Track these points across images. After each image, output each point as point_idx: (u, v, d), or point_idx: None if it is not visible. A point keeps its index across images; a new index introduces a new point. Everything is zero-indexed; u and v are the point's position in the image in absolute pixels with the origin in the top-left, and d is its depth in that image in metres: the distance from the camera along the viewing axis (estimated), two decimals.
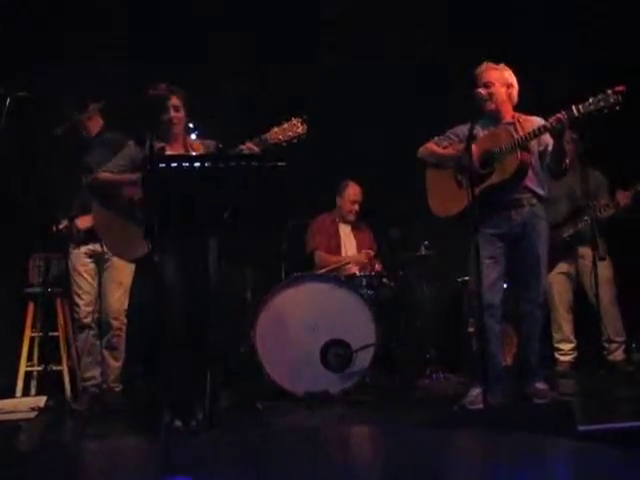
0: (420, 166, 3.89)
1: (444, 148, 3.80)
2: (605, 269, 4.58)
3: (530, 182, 3.62)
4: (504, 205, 3.61)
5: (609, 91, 3.28)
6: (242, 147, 3.40)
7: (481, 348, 3.33)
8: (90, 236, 4.08)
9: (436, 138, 3.87)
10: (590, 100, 3.32)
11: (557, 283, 4.87)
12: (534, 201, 3.65)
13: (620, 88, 3.27)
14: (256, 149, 3.38)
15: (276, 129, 3.43)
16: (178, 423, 3.05)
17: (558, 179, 3.86)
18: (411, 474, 1.18)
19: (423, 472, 1.22)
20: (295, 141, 3.43)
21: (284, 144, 3.42)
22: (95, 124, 4.30)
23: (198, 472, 1.14)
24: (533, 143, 3.58)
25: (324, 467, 1.29)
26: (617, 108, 3.27)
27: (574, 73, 5.08)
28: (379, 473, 1.32)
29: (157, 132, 3.40)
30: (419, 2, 5.43)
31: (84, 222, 4.15)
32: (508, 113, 3.70)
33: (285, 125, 3.43)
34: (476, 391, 3.49)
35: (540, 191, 3.67)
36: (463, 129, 3.79)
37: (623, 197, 4.59)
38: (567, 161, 3.61)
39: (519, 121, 3.66)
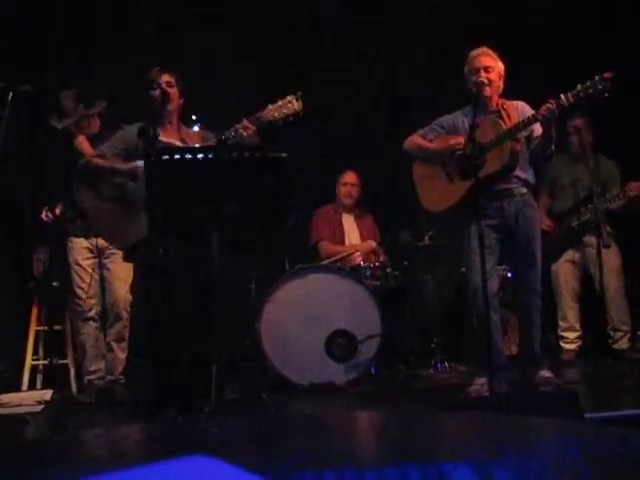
0: (408, 159, 3.87)
1: (430, 141, 3.79)
2: (613, 258, 4.56)
3: (520, 171, 3.60)
4: (495, 196, 3.58)
5: (597, 77, 3.25)
6: (237, 126, 3.37)
7: (485, 338, 3.33)
8: (87, 227, 4.08)
9: (421, 131, 3.84)
10: (578, 87, 3.29)
11: (564, 271, 4.84)
12: (524, 190, 3.64)
13: (607, 74, 3.23)
14: (251, 127, 3.34)
15: (271, 107, 3.39)
16: (182, 417, 3.05)
17: (542, 165, 3.84)
18: (415, 454, 1.18)
19: (426, 452, 1.22)
20: (291, 119, 3.38)
21: (280, 122, 3.38)
22: (94, 124, 4.24)
23: (205, 453, 1.14)
24: None
25: (329, 448, 1.29)
26: (605, 95, 3.24)
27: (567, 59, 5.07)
28: (383, 450, 1.32)
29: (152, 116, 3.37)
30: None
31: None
32: (494, 101, 3.69)
33: (280, 102, 3.38)
34: (481, 380, 3.50)
35: (529, 179, 3.66)
36: (448, 120, 3.78)
37: (635, 188, 4.52)
38: (552, 147, 3.57)
39: (503, 107, 3.65)
